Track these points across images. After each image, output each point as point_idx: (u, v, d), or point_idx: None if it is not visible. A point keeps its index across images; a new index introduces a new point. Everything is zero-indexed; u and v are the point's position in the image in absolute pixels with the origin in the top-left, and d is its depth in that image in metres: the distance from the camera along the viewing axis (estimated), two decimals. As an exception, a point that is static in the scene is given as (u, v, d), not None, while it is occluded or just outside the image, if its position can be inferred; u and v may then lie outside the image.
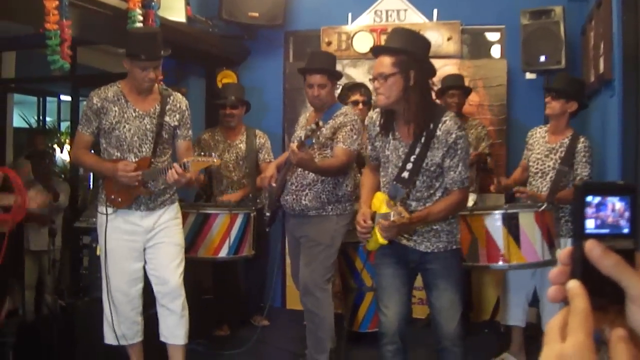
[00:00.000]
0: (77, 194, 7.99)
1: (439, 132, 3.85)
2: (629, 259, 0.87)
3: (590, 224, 0.89)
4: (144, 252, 4.75)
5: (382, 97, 3.87)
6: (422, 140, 3.88)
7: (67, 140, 10.26)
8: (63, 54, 4.59)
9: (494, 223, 4.86)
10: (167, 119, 4.69)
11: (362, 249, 5.66)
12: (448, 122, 3.86)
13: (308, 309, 5.10)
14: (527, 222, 4.82)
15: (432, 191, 3.96)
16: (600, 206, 0.89)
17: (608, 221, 0.89)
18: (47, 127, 11.18)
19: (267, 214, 5.30)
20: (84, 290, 5.72)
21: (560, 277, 0.91)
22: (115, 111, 4.60)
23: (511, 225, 4.83)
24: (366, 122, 4.21)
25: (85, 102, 4.77)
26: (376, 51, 4.02)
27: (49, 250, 6.36)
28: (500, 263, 4.86)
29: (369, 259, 5.57)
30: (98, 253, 4.86)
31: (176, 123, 4.74)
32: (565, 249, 0.92)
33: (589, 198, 0.89)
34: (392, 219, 3.70)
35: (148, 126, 4.63)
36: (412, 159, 3.89)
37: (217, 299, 6.52)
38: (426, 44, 4.04)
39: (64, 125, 11.22)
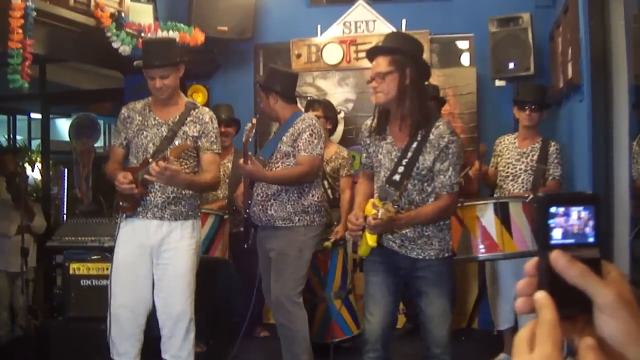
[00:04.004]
0: (49, 213, 7.93)
1: (431, 136, 3.92)
2: (595, 268, 0.87)
3: (555, 235, 0.89)
4: (152, 269, 4.64)
5: (380, 94, 3.93)
6: (415, 144, 3.94)
7: (38, 159, 10.20)
8: (23, 73, 4.55)
9: (487, 213, 4.88)
10: (185, 128, 4.62)
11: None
12: (441, 127, 3.95)
13: (281, 323, 5.06)
14: (516, 211, 4.87)
15: (424, 195, 3.99)
16: (564, 216, 0.89)
17: (573, 231, 0.89)
18: (17, 145, 11.09)
19: (241, 228, 5.29)
20: (58, 310, 5.67)
21: (527, 288, 0.91)
22: (139, 120, 4.66)
23: (503, 214, 4.86)
24: (362, 129, 4.27)
25: None
26: (372, 53, 4.10)
27: (21, 270, 6.29)
28: (494, 253, 4.88)
29: (320, 270, 5.58)
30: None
31: (196, 134, 4.63)
32: (531, 260, 0.92)
33: (553, 209, 0.89)
34: (379, 216, 3.73)
35: (165, 133, 4.60)
36: (403, 162, 3.95)
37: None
38: (419, 45, 4.15)
39: (35, 144, 11.15)
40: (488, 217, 4.87)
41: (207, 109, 4.79)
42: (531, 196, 5.02)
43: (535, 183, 5.36)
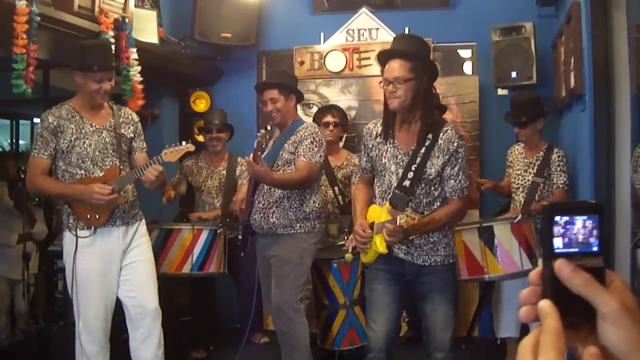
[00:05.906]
0: (51, 218, 7.92)
1: (440, 141, 3.94)
2: (599, 277, 0.87)
3: (559, 244, 0.89)
4: (119, 274, 4.61)
5: (397, 100, 3.93)
6: (423, 149, 3.94)
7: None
8: (26, 79, 4.54)
9: (471, 237, 4.94)
10: (122, 131, 4.65)
11: (334, 266, 5.60)
12: (449, 132, 3.97)
13: (282, 330, 5.06)
14: (503, 233, 4.93)
15: (430, 199, 4.01)
16: (568, 225, 0.89)
17: (577, 240, 0.89)
18: (20, 150, 11.09)
19: (240, 236, 5.27)
20: (59, 315, 5.66)
21: (531, 297, 0.91)
22: (72, 128, 4.49)
23: (487, 238, 4.93)
24: (363, 133, 4.27)
25: (39, 124, 4.64)
26: (389, 55, 4.04)
27: (23, 275, 6.27)
28: (480, 276, 4.97)
29: (342, 277, 5.56)
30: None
31: (131, 135, 4.72)
32: (535, 269, 0.93)
33: (557, 218, 0.89)
34: (399, 222, 3.70)
35: (107, 139, 4.57)
36: (413, 167, 3.94)
37: (194, 321, 6.46)
38: (429, 49, 4.23)
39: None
40: (473, 242, 4.93)
41: (128, 109, 4.88)
42: (519, 217, 4.99)
43: (527, 199, 5.34)
